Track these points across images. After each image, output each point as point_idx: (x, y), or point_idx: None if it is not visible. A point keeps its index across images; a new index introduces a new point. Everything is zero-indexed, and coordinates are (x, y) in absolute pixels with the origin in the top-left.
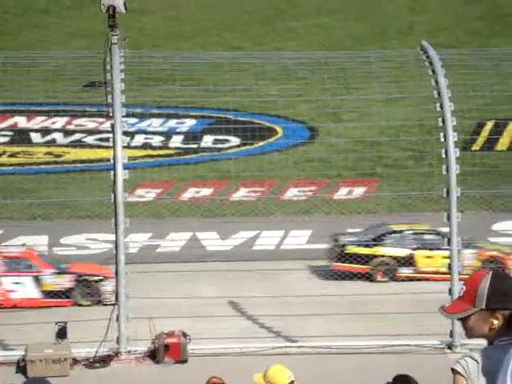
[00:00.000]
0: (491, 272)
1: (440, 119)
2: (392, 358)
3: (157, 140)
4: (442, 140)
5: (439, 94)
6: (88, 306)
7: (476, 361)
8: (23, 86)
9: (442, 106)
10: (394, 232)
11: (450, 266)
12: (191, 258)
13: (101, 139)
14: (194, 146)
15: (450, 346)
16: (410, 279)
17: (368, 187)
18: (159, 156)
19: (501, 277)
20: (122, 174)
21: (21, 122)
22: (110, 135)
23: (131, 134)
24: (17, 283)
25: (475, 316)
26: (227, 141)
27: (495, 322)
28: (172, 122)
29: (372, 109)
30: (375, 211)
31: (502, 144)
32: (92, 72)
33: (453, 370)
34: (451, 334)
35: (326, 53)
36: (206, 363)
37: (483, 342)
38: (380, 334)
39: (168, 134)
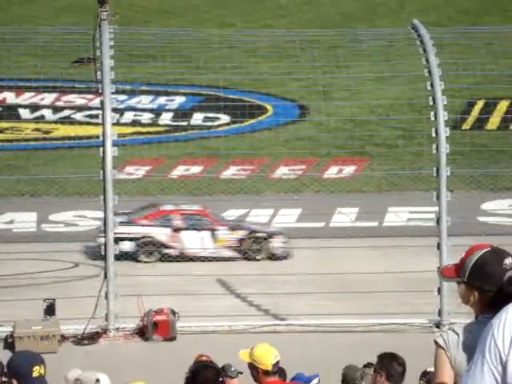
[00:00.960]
0: (488, 249)
1: (430, 98)
2: (380, 337)
3: (146, 117)
4: (433, 119)
5: (430, 72)
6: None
7: (457, 334)
8: (12, 62)
9: (432, 85)
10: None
11: (438, 245)
12: None
13: (90, 116)
14: (184, 123)
15: (438, 325)
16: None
17: (358, 166)
18: (149, 133)
19: (492, 256)
20: (111, 151)
21: (9, 97)
22: (100, 112)
23: (120, 111)
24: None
25: (462, 286)
26: (217, 118)
27: (472, 297)
28: (161, 99)
29: (362, 87)
30: (365, 190)
31: (492, 123)
32: (81, 48)
33: (435, 342)
34: (439, 313)
35: (317, 31)
36: (195, 341)
37: (471, 320)
38: (368, 313)
39: (157, 111)
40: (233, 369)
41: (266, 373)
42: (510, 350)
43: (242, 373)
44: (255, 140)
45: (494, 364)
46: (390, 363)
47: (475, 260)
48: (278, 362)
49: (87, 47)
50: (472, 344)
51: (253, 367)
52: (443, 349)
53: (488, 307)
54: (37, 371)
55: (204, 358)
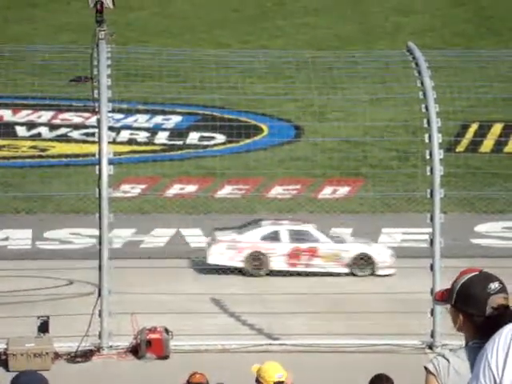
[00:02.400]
0: (476, 273)
1: (425, 120)
2: (373, 357)
3: (142, 136)
4: (427, 141)
5: (424, 95)
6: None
7: (447, 360)
8: (9, 79)
9: (427, 108)
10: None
11: (431, 267)
12: (175, 254)
13: (86, 134)
14: (180, 142)
15: (430, 346)
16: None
17: (352, 187)
18: (144, 152)
19: (478, 280)
20: (107, 169)
21: (6, 115)
22: (96, 130)
23: (117, 130)
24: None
25: (451, 309)
26: (213, 138)
27: (458, 321)
28: (158, 118)
29: (358, 109)
30: (359, 211)
31: (486, 146)
32: (79, 67)
33: (425, 368)
34: (432, 335)
35: (313, 52)
36: (188, 359)
37: (463, 342)
38: (361, 333)
39: (154, 130)
40: None
41: None
42: (503, 373)
43: None
44: (250, 160)
45: None
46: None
47: (461, 283)
48: (281, 382)
49: (85, 66)
50: (462, 370)
51: (257, 382)
52: (434, 375)
53: (476, 332)
54: None
55: (199, 377)
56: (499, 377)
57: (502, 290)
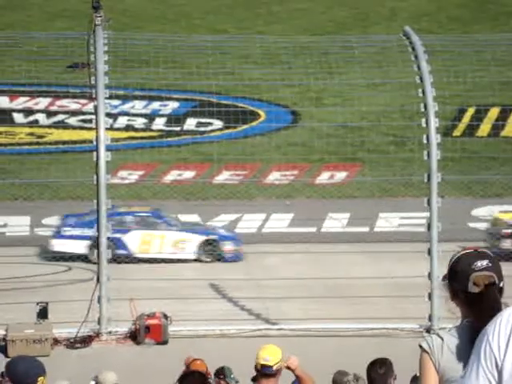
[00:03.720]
0: (470, 250)
1: (422, 105)
2: (371, 341)
3: (140, 122)
4: (424, 125)
5: (421, 79)
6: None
7: (441, 338)
8: (6, 66)
9: (423, 92)
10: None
11: (429, 251)
12: None
13: (84, 120)
14: (177, 128)
15: (428, 330)
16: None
17: (350, 172)
18: (142, 138)
19: (467, 256)
20: (104, 156)
21: (3, 102)
22: (93, 117)
23: (114, 116)
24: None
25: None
26: (210, 124)
27: (450, 296)
28: (155, 105)
29: (354, 94)
30: (356, 196)
31: (483, 130)
32: (75, 53)
33: (419, 346)
34: (430, 318)
35: (309, 37)
36: (187, 345)
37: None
38: (359, 318)
39: (151, 117)
40: (232, 376)
41: (257, 370)
42: (505, 356)
43: (238, 382)
44: (248, 145)
45: (490, 369)
46: (370, 369)
47: (454, 259)
48: (268, 367)
49: (81, 52)
50: (456, 348)
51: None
52: (427, 353)
53: (467, 310)
54: (41, 382)
55: (198, 363)
56: (501, 360)
57: (488, 268)
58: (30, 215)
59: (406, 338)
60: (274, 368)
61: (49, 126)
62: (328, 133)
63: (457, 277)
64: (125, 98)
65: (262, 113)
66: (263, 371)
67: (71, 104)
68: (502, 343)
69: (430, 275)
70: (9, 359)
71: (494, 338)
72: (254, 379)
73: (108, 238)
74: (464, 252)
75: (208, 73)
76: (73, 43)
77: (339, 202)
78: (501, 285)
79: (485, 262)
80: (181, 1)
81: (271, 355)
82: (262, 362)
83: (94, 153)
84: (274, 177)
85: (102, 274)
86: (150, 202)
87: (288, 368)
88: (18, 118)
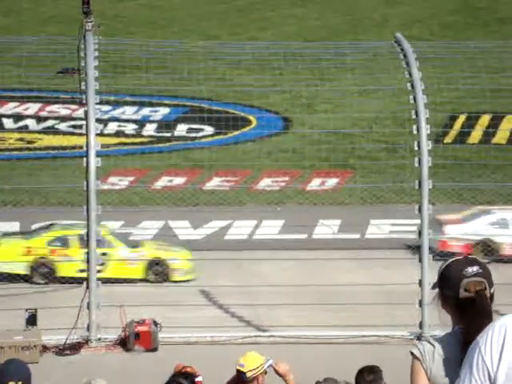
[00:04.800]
0: (460, 257)
1: (413, 111)
2: (361, 349)
3: (130, 128)
4: (415, 132)
5: (413, 86)
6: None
7: (432, 345)
8: None
9: (415, 99)
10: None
11: (420, 258)
12: None
13: (74, 126)
14: (168, 134)
15: (419, 337)
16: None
17: (341, 178)
18: (132, 144)
19: (458, 262)
20: (94, 162)
21: None
22: (83, 122)
23: (104, 122)
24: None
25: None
26: (201, 130)
27: (440, 303)
28: (146, 110)
29: (346, 100)
30: (348, 202)
31: (474, 137)
32: (66, 58)
33: (411, 353)
34: (420, 325)
35: (301, 43)
36: (177, 352)
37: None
38: (350, 325)
39: (141, 122)
40: None
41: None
42: (498, 367)
43: None
44: (239, 151)
45: (482, 381)
46: (358, 376)
47: (444, 266)
48: (242, 373)
49: (72, 58)
50: (447, 355)
51: None
52: (419, 360)
53: (458, 317)
54: None
55: (189, 370)
56: (494, 371)
57: (479, 274)
58: (19, 221)
59: (397, 346)
60: (248, 375)
61: (39, 132)
62: (319, 139)
63: (447, 283)
64: (115, 104)
65: (253, 119)
66: (239, 377)
67: (61, 109)
68: (495, 354)
69: (420, 282)
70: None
71: (487, 349)
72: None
73: None
74: (454, 259)
75: (199, 79)
76: (63, 48)
77: (330, 209)
78: (491, 291)
79: (475, 268)
80: (172, 6)
81: (247, 361)
82: (237, 367)
83: (84, 159)
84: (264, 183)
85: (91, 280)
86: (141, 208)
87: (277, 373)
88: (8, 123)
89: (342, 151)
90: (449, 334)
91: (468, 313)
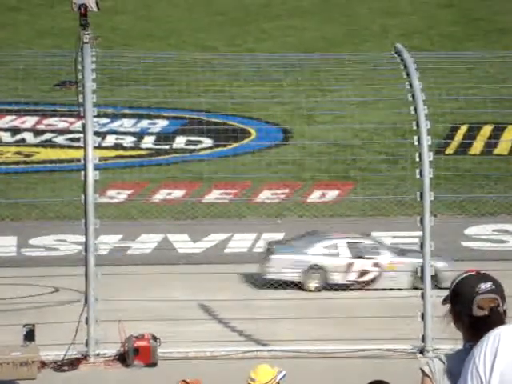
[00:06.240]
0: (472, 273)
1: (414, 122)
2: (363, 363)
3: (128, 140)
4: (416, 143)
5: (413, 97)
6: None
7: (443, 362)
8: None
9: (416, 110)
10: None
11: (422, 271)
12: (162, 260)
13: (71, 139)
14: (166, 146)
15: (421, 351)
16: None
17: (341, 190)
18: (131, 157)
19: (470, 279)
20: (92, 175)
21: None
22: (81, 135)
23: (102, 135)
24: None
25: (449, 308)
26: (200, 142)
27: (452, 319)
28: (144, 123)
29: (346, 111)
30: (348, 214)
31: (476, 148)
32: (63, 71)
33: (421, 370)
34: (423, 339)
35: (300, 54)
36: (176, 367)
37: (455, 347)
38: (351, 339)
39: (140, 135)
40: None
41: None
42: (491, 376)
43: None
44: (238, 164)
45: None
46: None
47: (456, 282)
48: None
49: (69, 70)
50: (457, 372)
51: None
52: (429, 377)
53: (469, 333)
54: None
55: (193, 382)
56: (487, 380)
57: (492, 291)
58: (16, 235)
59: (399, 359)
60: None
61: (36, 145)
62: (319, 151)
63: (460, 300)
64: (113, 117)
65: (252, 131)
66: None
67: (59, 122)
68: (488, 364)
69: (422, 295)
70: None
71: (480, 359)
72: None
73: None
74: (466, 274)
75: (198, 90)
76: (60, 61)
77: (331, 221)
78: (504, 307)
79: (488, 285)
80: (170, 18)
81: (258, 376)
82: (248, 382)
83: (82, 172)
84: (264, 195)
85: (89, 295)
86: (139, 221)
87: None
88: (5, 136)
89: (342, 163)
90: (460, 351)
91: (481, 330)
